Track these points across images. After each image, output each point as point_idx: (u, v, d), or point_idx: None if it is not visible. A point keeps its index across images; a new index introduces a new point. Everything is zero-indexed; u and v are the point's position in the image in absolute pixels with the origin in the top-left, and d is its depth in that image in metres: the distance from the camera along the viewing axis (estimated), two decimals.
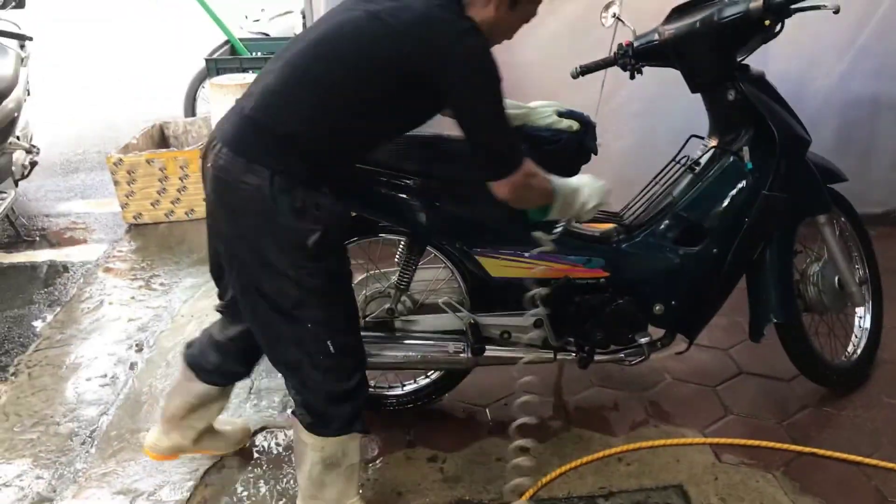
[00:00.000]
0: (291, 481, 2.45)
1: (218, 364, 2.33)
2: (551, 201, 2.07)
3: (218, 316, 2.37)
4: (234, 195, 1.89)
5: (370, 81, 1.85)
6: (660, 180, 2.51)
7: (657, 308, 2.41)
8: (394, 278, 2.52)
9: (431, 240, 2.46)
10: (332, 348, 1.97)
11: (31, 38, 4.75)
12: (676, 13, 2.39)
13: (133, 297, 3.70)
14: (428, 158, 2.29)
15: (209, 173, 1.95)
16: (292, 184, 1.86)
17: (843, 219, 2.72)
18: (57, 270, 4.05)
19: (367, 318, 2.55)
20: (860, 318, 2.82)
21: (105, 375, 3.08)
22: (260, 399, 2.86)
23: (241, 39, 5.06)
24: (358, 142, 1.98)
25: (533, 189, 1.99)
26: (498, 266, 2.33)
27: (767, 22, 2.21)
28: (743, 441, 2.51)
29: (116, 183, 4.40)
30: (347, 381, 2.04)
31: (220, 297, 2.31)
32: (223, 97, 3.96)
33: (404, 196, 2.33)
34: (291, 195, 1.86)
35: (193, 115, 5.45)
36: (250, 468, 2.53)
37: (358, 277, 2.63)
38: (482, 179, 1.97)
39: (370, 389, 2.69)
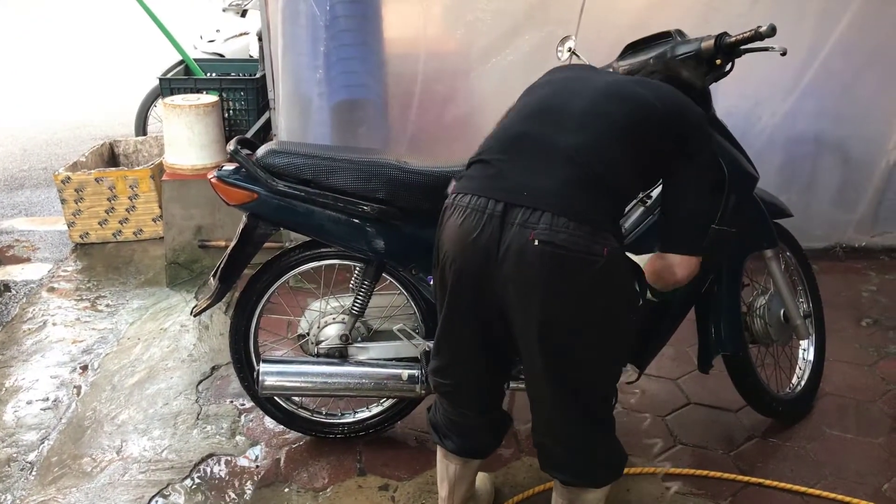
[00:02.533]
0: None
1: (490, 440, 2.15)
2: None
3: None
4: (581, 272, 1.71)
5: (655, 138, 1.87)
6: None
7: None
8: (348, 304, 2.52)
9: (387, 266, 2.46)
10: (613, 397, 2.02)
11: None
12: (630, 49, 2.44)
13: (78, 319, 3.61)
14: (389, 186, 2.29)
15: (526, 250, 1.71)
16: (620, 242, 1.79)
17: (788, 253, 2.80)
18: None
19: (319, 345, 2.53)
20: (804, 350, 2.89)
21: (47, 399, 3.00)
22: (208, 424, 2.80)
23: (195, 59, 5.02)
24: (633, 194, 1.99)
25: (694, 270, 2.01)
26: None
27: (718, 61, 2.27)
28: (691, 471, 2.54)
29: (63, 201, 4.31)
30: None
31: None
32: (176, 117, 3.91)
33: (362, 222, 2.34)
34: (621, 255, 1.81)
35: (144, 133, 5.37)
36: (196, 494, 2.47)
37: (312, 303, 2.62)
38: (668, 249, 1.99)
39: (320, 416, 2.68)
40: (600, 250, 1.70)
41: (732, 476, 2.52)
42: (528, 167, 1.78)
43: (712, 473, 2.53)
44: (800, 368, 2.88)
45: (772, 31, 2.16)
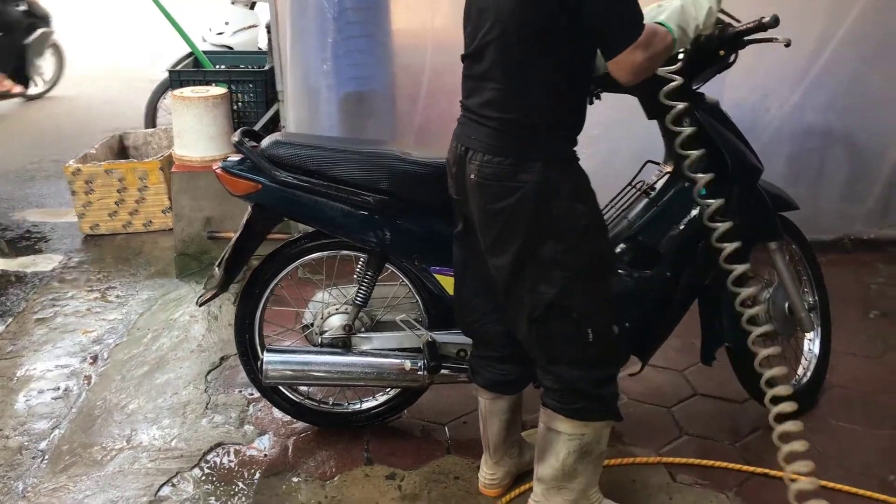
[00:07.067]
0: (244, 496, 2.44)
1: (513, 377, 2.30)
2: (672, 46, 1.94)
3: None
4: (510, 198, 1.93)
5: (539, 15, 1.84)
6: (615, 204, 2.55)
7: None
8: (352, 294, 2.53)
9: (390, 257, 2.48)
10: (591, 336, 2.04)
11: None
12: None
13: (88, 309, 3.65)
14: (391, 177, 2.31)
15: (471, 184, 2.00)
16: (562, 166, 1.96)
17: (793, 246, 2.78)
18: (9, 280, 3.97)
19: (323, 335, 2.55)
20: (810, 342, 2.88)
21: (58, 388, 3.03)
22: (216, 414, 2.83)
23: (204, 52, 5.04)
24: (567, 90, 1.96)
25: (656, 46, 1.87)
26: None
27: (722, 52, 2.27)
28: (697, 461, 2.55)
29: (74, 193, 4.35)
30: (612, 367, 2.14)
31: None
32: (185, 109, 3.93)
33: (365, 213, 2.36)
34: (562, 179, 1.95)
35: (153, 126, 5.40)
36: (204, 483, 2.50)
37: (315, 293, 2.64)
38: (612, 55, 1.85)
39: (328, 406, 2.71)
40: (525, 178, 1.92)
41: (738, 466, 2.53)
42: (475, 120, 2.03)
43: (717, 463, 2.54)
44: (805, 360, 2.87)
45: (775, 22, 2.15)
